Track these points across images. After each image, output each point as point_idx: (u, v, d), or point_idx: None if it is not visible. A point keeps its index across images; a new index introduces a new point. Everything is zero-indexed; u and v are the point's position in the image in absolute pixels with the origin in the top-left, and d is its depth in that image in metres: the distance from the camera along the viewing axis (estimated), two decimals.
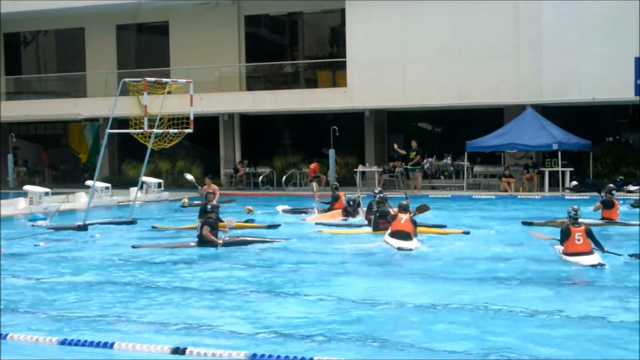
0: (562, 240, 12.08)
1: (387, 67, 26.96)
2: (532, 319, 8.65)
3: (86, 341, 7.66)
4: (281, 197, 24.89)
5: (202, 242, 14.32)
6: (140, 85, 17.78)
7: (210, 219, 14.47)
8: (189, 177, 22.51)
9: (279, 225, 17.08)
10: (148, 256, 13.65)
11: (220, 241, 14.18)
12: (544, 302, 9.41)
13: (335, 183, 21.25)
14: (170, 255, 13.67)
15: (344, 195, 19.67)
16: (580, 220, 12.15)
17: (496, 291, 10.22)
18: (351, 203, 18.47)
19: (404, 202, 14.97)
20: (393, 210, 15.27)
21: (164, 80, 18.75)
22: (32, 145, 35.72)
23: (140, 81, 17.82)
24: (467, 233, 15.44)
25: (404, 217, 14.34)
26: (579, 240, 11.83)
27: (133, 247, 14.49)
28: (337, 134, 28.10)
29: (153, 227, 17.66)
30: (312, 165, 28.90)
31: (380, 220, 15.36)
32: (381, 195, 16.18)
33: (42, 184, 26.82)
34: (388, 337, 7.96)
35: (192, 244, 14.47)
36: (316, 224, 17.45)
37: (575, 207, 12.20)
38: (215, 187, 23.11)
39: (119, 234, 16.86)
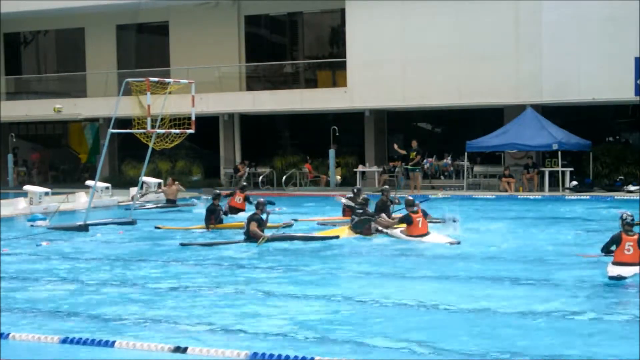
0: (610, 246, 10.88)
1: (387, 67, 26.97)
2: (535, 319, 8.68)
3: (87, 339, 7.66)
4: (281, 197, 24.85)
5: (249, 238, 14.55)
6: (143, 85, 17.77)
7: (256, 215, 14.73)
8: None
9: (292, 224, 17.07)
10: (149, 255, 13.67)
11: (264, 238, 14.43)
12: (545, 302, 9.44)
13: (244, 183, 21.54)
14: (173, 254, 13.69)
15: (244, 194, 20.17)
16: None
17: (501, 291, 10.24)
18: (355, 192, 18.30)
19: (410, 199, 15.16)
20: (392, 217, 15.40)
21: (167, 80, 18.75)
22: (32, 145, 35.70)
23: (143, 81, 17.81)
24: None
25: (420, 219, 14.62)
26: (628, 250, 10.62)
27: (181, 244, 14.65)
28: (337, 134, 28.11)
29: (156, 227, 17.64)
30: (306, 165, 28.97)
31: (365, 226, 15.23)
32: (364, 197, 15.87)
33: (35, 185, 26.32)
34: (390, 338, 7.97)
35: (240, 240, 14.69)
36: (318, 223, 17.44)
37: (629, 212, 10.92)
38: (175, 188, 22.95)
39: (119, 234, 16.89)
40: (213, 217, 16.97)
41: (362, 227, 15.23)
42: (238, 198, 19.71)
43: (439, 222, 16.22)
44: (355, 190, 17.65)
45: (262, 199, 15.32)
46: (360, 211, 15.39)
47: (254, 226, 14.53)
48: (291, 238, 14.80)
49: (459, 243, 14.06)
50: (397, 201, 17.13)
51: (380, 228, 15.31)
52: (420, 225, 14.60)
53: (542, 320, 8.55)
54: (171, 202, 22.91)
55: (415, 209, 14.72)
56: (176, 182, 23.62)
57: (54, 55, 35.65)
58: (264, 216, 14.87)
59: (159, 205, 22.83)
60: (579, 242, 14.32)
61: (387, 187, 18.31)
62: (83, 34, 33.27)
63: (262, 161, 30.28)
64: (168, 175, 29.38)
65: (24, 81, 35.15)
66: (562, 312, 8.84)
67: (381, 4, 26.90)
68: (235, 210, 19.35)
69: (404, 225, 14.84)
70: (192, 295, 10.25)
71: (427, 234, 14.65)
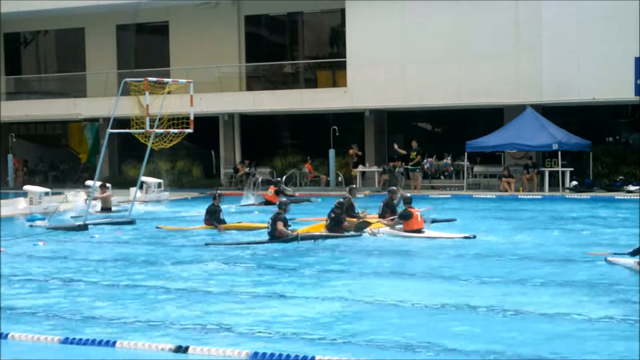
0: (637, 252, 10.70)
1: (387, 67, 26.96)
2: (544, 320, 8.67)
3: (88, 340, 7.65)
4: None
5: (273, 237, 14.57)
6: (141, 85, 17.75)
7: (280, 214, 14.77)
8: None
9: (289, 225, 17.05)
10: (148, 255, 13.67)
11: (297, 233, 14.56)
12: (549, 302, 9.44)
13: (278, 178, 21.95)
14: (173, 254, 13.68)
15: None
16: None
17: (503, 291, 10.24)
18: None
19: (408, 195, 15.59)
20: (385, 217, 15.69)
21: (165, 80, 18.74)
22: (32, 145, 35.67)
23: (141, 81, 17.80)
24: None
25: (418, 214, 15.08)
26: None
27: (206, 244, 14.66)
28: (337, 134, 28.10)
29: (157, 227, 17.61)
30: (306, 165, 28.95)
31: (336, 228, 15.29)
32: (340, 201, 15.80)
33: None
34: (391, 337, 7.96)
35: (265, 240, 14.69)
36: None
37: None
38: (109, 194, 21.87)
39: (118, 233, 16.88)
40: (213, 218, 16.88)
41: (335, 227, 15.38)
42: (270, 191, 21.79)
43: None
44: (349, 189, 17.85)
45: (284, 199, 15.40)
46: (339, 211, 15.53)
47: (280, 225, 14.56)
48: (319, 237, 14.80)
49: (474, 237, 14.47)
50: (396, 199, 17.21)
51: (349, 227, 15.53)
52: (419, 219, 15.08)
53: (545, 320, 8.56)
54: (106, 210, 21.42)
55: (412, 204, 15.30)
56: (108, 187, 22.45)
57: (54, 55, 35.63)
58: (287, 216, 14.93)
59: (95, 211, 21.06)
60: (580, 242, 14.32)
61: (394, 187, 18.42)
62: (83, 34, 33.26)
63: (262, 161, 30.25)
64: (167, 174, 29.39)
65: (24, 81, 35.14)
66: (562, 312, 8.85)
67: (381, 4, 26.89)
68: (268, 203, 21.00)
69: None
70: (193, 295, 10.24)
71: (421, 229, 15.03)
